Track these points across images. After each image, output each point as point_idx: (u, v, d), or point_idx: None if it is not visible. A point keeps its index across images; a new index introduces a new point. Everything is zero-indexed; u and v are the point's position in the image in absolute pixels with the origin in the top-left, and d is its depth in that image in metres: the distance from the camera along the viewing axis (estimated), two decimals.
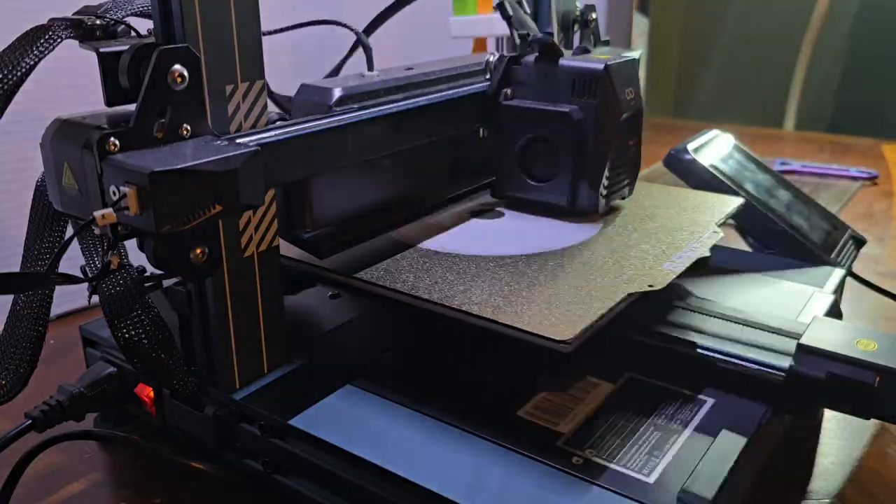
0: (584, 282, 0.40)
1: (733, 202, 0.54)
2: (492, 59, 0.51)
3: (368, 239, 0.46)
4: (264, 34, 0.38)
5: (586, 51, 0.52)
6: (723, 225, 0.50)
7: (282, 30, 0.49)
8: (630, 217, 0.51)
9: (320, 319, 0.45)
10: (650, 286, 0.39)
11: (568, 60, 0.48)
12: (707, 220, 0.50)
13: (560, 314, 0.36)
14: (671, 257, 0.43)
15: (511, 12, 0.54)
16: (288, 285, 0.45)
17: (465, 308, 0.37)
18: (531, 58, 0.50)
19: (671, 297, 0.46)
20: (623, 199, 0.53)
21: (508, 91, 0.50)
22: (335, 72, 0.59)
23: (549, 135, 0.49)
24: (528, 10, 0.61)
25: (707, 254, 0.44)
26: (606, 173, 0.49)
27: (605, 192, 0.49)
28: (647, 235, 0.47)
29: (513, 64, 0.50)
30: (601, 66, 0.47)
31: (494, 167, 0.52)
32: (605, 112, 0.47)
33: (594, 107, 0.47)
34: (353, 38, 0.51)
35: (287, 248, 0.44)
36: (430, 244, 0.46)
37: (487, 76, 0.51)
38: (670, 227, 0.49)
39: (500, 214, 0.52)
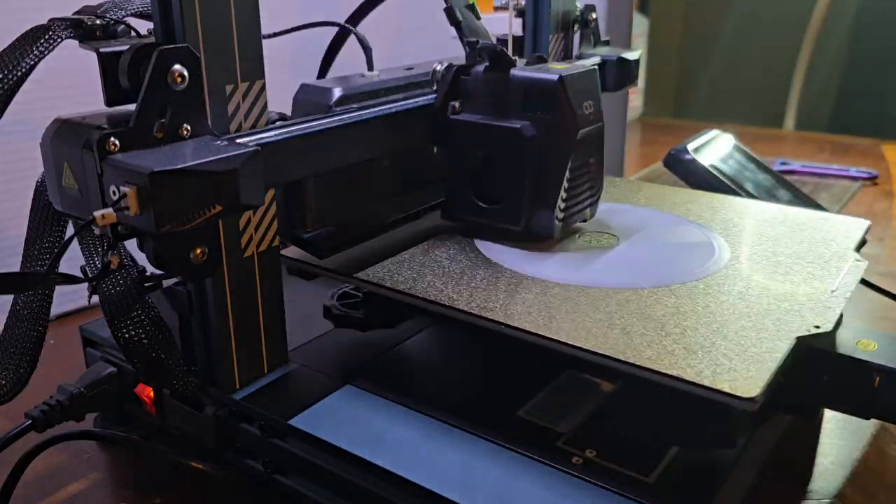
0: (745, 324, 0.36)
1: (862, 225, 0.49)
2: (439, 68, 0.47)
3: (369, 239, 0.46)
4: (264, 37, 0.38)
5: (542, 59, 0.48)
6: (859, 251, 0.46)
7: (281, 32, 0.49)
8: (754, 241, 0.47)
9: (321, 320, 0.45)
10: (816, 327, 0.35)
11: (520, 71, 0.44)
12: (843, 247, 0.45)
13: (731, 365, 0.32)
14: (825, 292, 0.39)
15: (460, 17, 0.50)
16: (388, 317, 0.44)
17: (621, 357, 0.33)
18: (481, 68, 0.45)
19: None
20: (584, 220, 0.49)
21: (457, 104, 0.46)
22: (322, 72, 0.58)
23: (499, 153, 0.44)
24: (521, 11, 0.60)
25: (856, 282, 0.41)
26: (563, 195, 0.44)
27: (561, 214, 0.45)
28: (783, 267, 0.43)
29: (461, 74, 0.46)
30: (555, 78, 0.43)
31: (445, 187, 0.48)
32: (560, 128, 0.43)
33: (548, 122, 0.43)
34: (353, 38, 0.51)
35: (287, 248, 0.44)
36: (533, 271, 0.42)
37: (434, 87, 0.47)
38: (804, 256, 0.44)
39: (614, 239, 0.47)
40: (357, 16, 0.57)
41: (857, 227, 0.49)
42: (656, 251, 0.46)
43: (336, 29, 0.55)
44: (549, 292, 0.39)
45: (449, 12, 0.50)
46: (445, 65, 0.47)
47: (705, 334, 0.35)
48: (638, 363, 0.32)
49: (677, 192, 0.57)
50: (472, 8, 0.52)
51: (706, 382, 0.31)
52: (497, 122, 0.44)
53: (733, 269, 0.42)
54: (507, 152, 0.44)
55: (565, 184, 0.44)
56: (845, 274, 0.42)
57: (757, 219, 0.51)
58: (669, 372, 0.31)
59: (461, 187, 0.47)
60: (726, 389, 0.30)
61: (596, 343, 0.34)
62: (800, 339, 0.34)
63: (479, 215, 0.46)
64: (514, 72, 0.44)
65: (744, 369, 0.31)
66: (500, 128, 0.44)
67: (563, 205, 0.45)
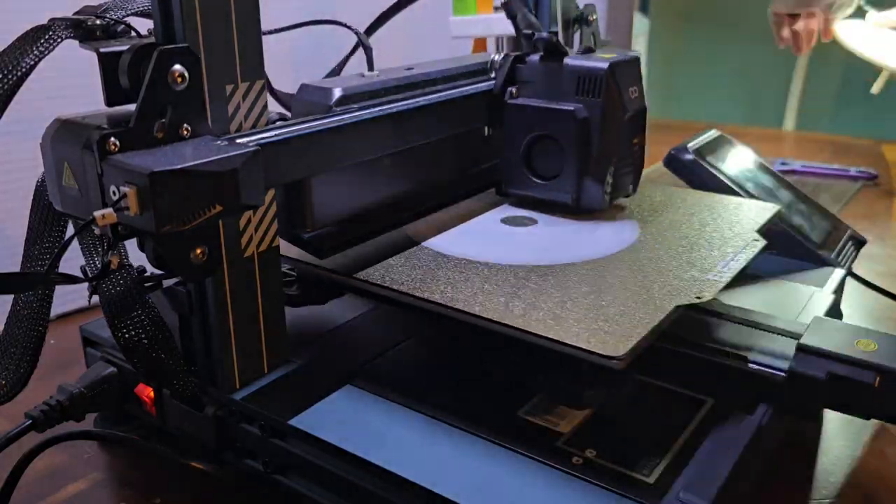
0: (629, 293, 0.39)
1: (770, 209, 0.53)
2: (497, 57, 0.52)
3: (369, 239, 0.46)
4: (264, 34, 0.38)
5: (591, 50, 0.52)
6: (762, 233, 0.48)
7: (282, 29, 0.49)
8: (666, 224, 0.50)
9: (320, 319, 0.45)
10: (698, 297, 0.38)
11: (572, 59, 0.49)
12: (746, 229, 0.48)
13: (609, 328, 0.35)
14: (714, 267, 0.42)
15: (516, 11, 0.54)
16: (319, 295, 0.45)
17: (506, 321, 0.36)
18: (536, 57, 0.50)
19: None
20: (627, 196, 0.53)
21: (514, 90, 0.51)
22: (335, 72, 0.59)
23: (554, 133, 0.49)
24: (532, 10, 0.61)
25: (746, 261, 0.43)
26: (611, 171, 0.49)
27: (609, 189, 0.50)
28: (687, 245, 0.46)
29: (517, 63, 0.51)
30: (605, 66, 0.48)
31: (500, 165, 0.53)
32: (609, 111, 0.48)
33: (598, 105, 0.48)
34: (353, 37, 0.51)
35: (287, 248, 0.44)
36: (457, 251, 0.45)
37: (493, 75, 0.52)
38: (708, 235, 0.48)
39: (534, 222, 0.51)
40: (376, 25, 0.58)
41: (765, 210, 0.52)
42: (568, 233, 0.49)
43: (336, 28, 0.55)
44: (462, 268, 0.42)
45: (507, 7, 0.54)
46: (503, 54, 0.52)
47: (592, 303, 0.38)
48: (524, 328, 0.35)
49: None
50: (526, 3, 0.56)
51: (581, 344, 0.34)
52: (552, 104, 0.49)
53: (636, 248, 0.46)
54: (561, 132, 0.49)
55: (613, 161, 0.49)
56: (741, 252, 0.45)
57: (676, 205, 0.54)
58: (548, 335, 0.35)
59: (516, 165, 0.51)
60: (596, 349, 0.33)
61: (494, 311, 0.37)
62: (678, 307, 0.37)
63: (533, 190, 0.52)
64: (567, 60, 0.49)
65: (617, 332, 0.34)
66: (555, 110, 0.49)
67: (610, 179, 0.49)
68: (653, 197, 0.56)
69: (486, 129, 0.53)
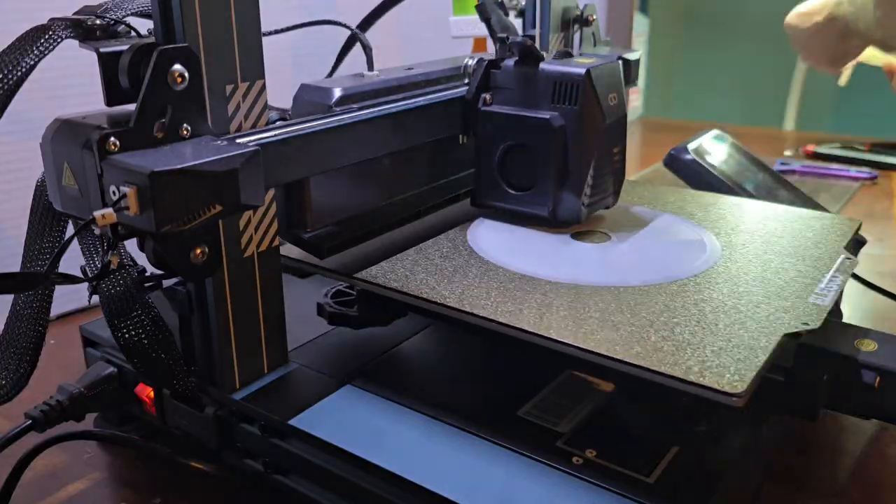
0: (733, 321, 0.36)
1: (851, 224, 0.50)
2: (470, 62, 0.50)
3: (369, 239, 0.46)
4: (264, 34, 0.38)
5: (568, 54, 0.50)
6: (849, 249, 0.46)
7: (282, 30, 0.49)
8: (745, 240, 0.47)
9: (320, 320, 0.45)
10: (805, 324, 0.36)
11: (548, 65, 0.47)
12: (833, 246, 0.46)
13: (722, 361, 0.32)
14: (814, 290, 0.40)
15: (490, 14, 0.52)
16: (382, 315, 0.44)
17: (610, 354, 0.33)
18: (511, 62, 0.48)
19: None
20: (607, 208, 0.51)
21: (487, 96, 0.49)
22: (331, 72, 0.59)
23: (529, 142, 0.47)
24: (521, 11, 0.61)
25: (844, 281, 0.41)
26: (589, 182, 0.47)
27: (587, 201, 0.47)
28: (775, 266, 0.43)
29: (491, 68, 0.49)
30: (582, 71, 0.45)
31: (474, 174, 0.50)
32: (586, 119, 0.46)
33: (575, 113, 0.46)
34: (349, 36, 0.51)
35: (287, 249, 0.44)
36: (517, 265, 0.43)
37: (466, 80, 0.50)
38: (795, 254, 0.45)
39: (606, 237, 0.48)
40: (368, 21, 0.58)
41: (848, 226, 0.49)
42: (648, 249, 0.46)
43: (335, 28, 0.55)
44: (541, 290, 0.40)
45: (480, 9, 0.52)
46: (476, 58, 0.49)
47: (694, 331, 0.35)
48: (627, 360, 0.33)
49: (672, 191, 0.58)
50: (501, 5, 0.54)
51: (693, 378, 0.31)
52: (527, 112, 0.47)
53: (724, 268, 0.43)
54: (536, 141, 0.47)
55: (591, 171, 0.47)
56: (834, 272, 0.42)
57: (749, 217, 0.51)
58: (658, 368, 0.32)
59: (490, 175, 0.49)
60: (713, 385, 0.30)
61: (586, 340, 0.34)
62: (787, 336, 0.34)
63: (507, 202, 0.49)
64: (543, 65, 0.47)
65: (731, 365, 0.32)
66: (530, 118, 0.47)
67: (588, 191, 0.47)
68: (715, 206, 0.54)
69: (460, 137, 0.51)
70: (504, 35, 0.50)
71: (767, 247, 0.46)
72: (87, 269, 0.38)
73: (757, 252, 0.45)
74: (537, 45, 0.60)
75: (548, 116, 0.46)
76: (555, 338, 0.35)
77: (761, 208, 0.53)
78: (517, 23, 0.60)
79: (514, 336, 0.36)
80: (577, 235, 0.48)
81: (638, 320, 0.36)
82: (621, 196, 0.56)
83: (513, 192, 0.49)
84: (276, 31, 0.48)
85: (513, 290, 0.40)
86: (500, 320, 0.36)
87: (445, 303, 0.38)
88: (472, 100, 0.49)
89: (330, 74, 0.58)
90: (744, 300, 0.38)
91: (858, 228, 0.50)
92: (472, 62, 0.49)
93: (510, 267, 0.43)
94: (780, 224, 0.50)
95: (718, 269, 0.42)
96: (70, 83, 0.60)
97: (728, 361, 0.32)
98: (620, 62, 0.49)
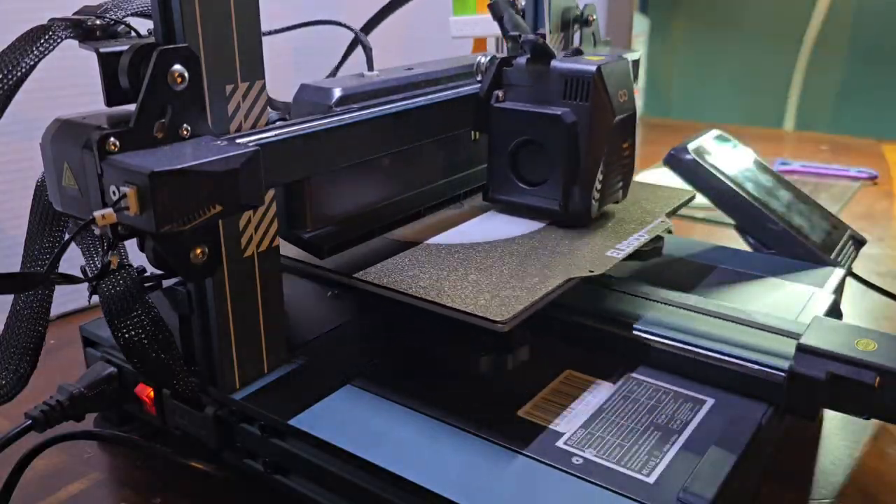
0: (528, 268, 0.41)
1: (683, 195, 0.55)
2: (483, 60, 0.50)
3: (369, 239, 0.46)
4: (264, 34, 0.38)
5: (579, 52, 0.51)
6: (672, 215, 0.52)
7: (281, 30, 0.49)
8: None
9: (320, 319, 0.45)
10: (591, 271, 0.41)
11: (560, 62, 0.48)
12: (657, 211, 0.51)
13: (501, 297, 0.38)
14: (615, 245, 0.45)
15: (503, 12, 0.52)
16: None
17: (410, 291, 0.39)
18: (523, 59, 0.49)
19: (672, 298, 0.46)
20: (617, 202, 0.52)
21: (500, 93, 0.49)
22: (333, 73, 0.59)
23: (541, 138, 0.48)
24: (521, 11, 0.61)
25: (647, 239, 0.46)
26: (599, 177, 0.48)
27: (598, 195, 0.48)
28: (597, 227, 0.48)
29: (504, 66, 0.49)
30: (593, 68, 0.46)
31: (487, 170, 0.51)
32: (597, 115, 0.47)
33: (586, 109, 0.46)
34: (354, 38, 0.51)
35: (287, 248, 0.44)
36: (431, 239, 0.47)
37: (478, 77, 0.50)
38: (620, 218, 0.50)
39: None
40: (371, 24, 0.58)
41: (678, 193, 0.55)
42: (497, 222, 0.50)
43: (335, 28, 0.55)
44: (422, 252, 0.44)
45: (493, 7, 0.52)
46: (489, 56, 0.50)
47: (490, 278, 0.40)
48: (431, 299, 0.38)
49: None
50: (513, 4, 0.54)
51: (469, 310, 0.36)
52: (539, 109, 0.48)
53: (550, 230, 0.48)
54: (548, 137, 0.48)
55: (602, 167, 0.48)
56: (641, 233, 0.47)
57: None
58: (447, 303, 0.37)
59: (502, 171, 0.50)
60: (482, 314, 0.36)
61: (410, 286, 0.39)
62: (571, 279, 0.40)
63: (520, 196, 0.50)
64: (554, 63, 0.47)
65: (507, 300, 0.37)
66: (542, 114, 0.47)
67: (599, 186, 0.48)
68: None
69: (473, 133, 0.51)
70: (516, 33, 0.51)
71: (600, 217, 0.50)
72: (87, 269, 0.38)
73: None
74: None
75: (559, 112, 0.47)
76: (384, 284, 0.40)
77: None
78: None
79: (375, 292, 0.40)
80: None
81: (460, 269, 0.42)
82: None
83: (525, 186, 0.50)
84: (276, 31, 0.48)
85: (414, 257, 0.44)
86: (363, 278, 0.41)
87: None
88: (485, 97, 0.49)
89: (332, 76, 0.58)
90: (550, 254, 0.44)
91: (691, 199, 0.55)
92: (484, 60, 0.50)
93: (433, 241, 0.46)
94: (630, 197, 0.54)
95: (542, 231, 0.48)
96: (70, 83, 0.60)
97: (507, 298, 0.38)
98: (630, 61, 0.50)
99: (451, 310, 0.37)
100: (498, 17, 0.53)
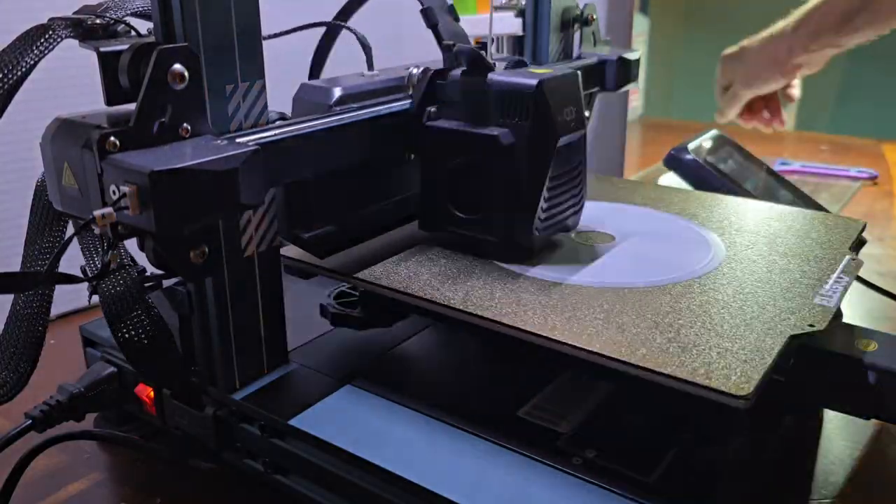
0: (739, 322, 0.36)
1: (856, 225, 0.49)
2: (415, 72, 0.45)
3: (369, 238, 0.46)
4: (264, 38, 0.38)
5: (522, 63, 0.45)
6: (857, 250, 0.47)
7: (281, 33, 0.49)
8: (747, 243, 0.46)
9: (320, 320, 0.45)
10: (810, 325, 0.35)
11: (497, 75, 0.42)
12: (838, 247, 0.46)
13: (728, 363, 0.32)
14: (819, 291, 0.39)
15: (437, 19, 0.47)
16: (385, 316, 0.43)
17: (615, 356, 0.33)
18: (458, 72, 0.43)
19: None
20: (567, 231, 0.47)
21: (432, 110, 0.44)
22: (316, 67, 0.58)
23: (476, 161, 0.42)
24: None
25: (850, 282, 0.41)
26: (543, 205, 0.42)
27: (541, 225, 0.43)
28: (780, 266, 0.43)
29: (437, 79, 0.44)
30: (533, 83, 0.41)
31: (420, 196, 0.46)
32: (538, 136, 0.41)
33: (526, 130, 0.41)
34: (353, 38, 0.51)
35: (287, 249, 0.44)
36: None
37: (410, 92, 0.45)
38: (800, 255, 0.44)
39: (610, 238, 0.47)
40: (345, 13, 0.56)
41: (853, 227, 0.49)
42: (652, 250, 0.46)
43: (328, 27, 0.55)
44: (545, 291, 0.39)
45: (426, 13, 0.48)
46: (421, 68, 0.45)
47: (699, 333, 0.35)
48: (632, 361, 0.32)
49: (674, 191, 0.58)
50: (451, 10, 0.50)
51: (699, 380, 0.31)
52: (474, 129, 0.42)
53: (728, 268, 0.42)
54: (484, 161, 0.42)
55: (545, 194, 0.42)
56: (840, 273, 0.42)
57: (752, 218, 0.51)
58: (663, 370, 0.31)
59: (437, 197, 0.45)
60: (719, 387, 0.30)
61: (591, 342, 0.34)
62: (793, 338, 0.34)
63: (456, 226, 0.44)
64: (491, 76, 0.42)
65: (737, 367, 0.31)
66: (478, 135, 0.42)
67: (543, 215, 0.43)
68: (719, 207, 0.53)
69: (406, 154, 0.46)
70: (450, 42, 0.45)
71: (772, 247, 0.46)
72: (87, 269, 0.38)
73: (761, 253, 0.45)
74: (529, 46, 0.60)
75: (496, 133, 0.41)
76: (559, 339, 0.34)
77: (765, 209, 0.53)
78: (517, 23, 0.60)
79: (519, 338, 0.36)
80: (580, 236, 0.48)
81: (643, 322, 0.36)
82: (625, 196, 0.56)
83: (461, 215, 0.44)
84: (276, 35, 0.48)
85: (517, 291, 0.39)
86: (505, 322, 0.36)
87: (450, 304, 0.38)
88: (416, 114, 0.44)
89: (315, 73, 0.58)
90: (749, 301, 0.38)
91: (863, 230, 0.49)
92: (416, 72, 0.45)
93: (514, 268, 0.42)
94: (784, 225, 0.50)
95: (723, 270, 0.42)
96: (70, 83, 0.60)
97: (734, 363, 0.32)
98: (580, 73, 0.45)
99: (672, 379, 0.31)
100: (432, 25, 0.47)
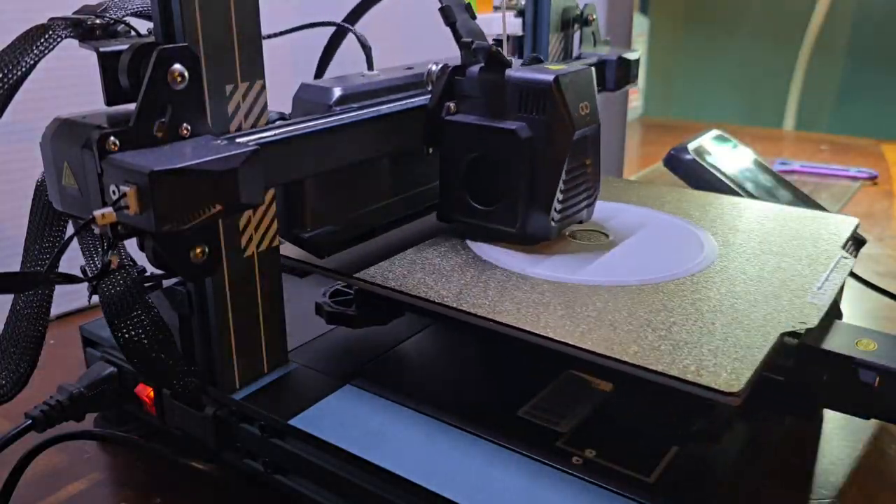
0: (730, 320, 0.36)
1: (849, 223, 0.50)
2: (434, 68, 0.46)
3: (369, 238, 0.46)
4: (264, 38, 0.38)
5: (539, 60, 0.47)
6: (853, 251, 0.47)
7: (281, 33, 0.49)
8: (740, 242, 0.47)
9: (320, 319, 0.45)
10: (802, 323, 0.36)
11: (515, 72, 0.44)
12: (831, 245, 0.46)
13: (718, 360, 0.32)
14: (811, 290, 0.40)
15: (455, 17, 0.48)
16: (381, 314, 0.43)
17: (607, 353, 0.33)
18: (476, 69, 0.45)
19: None
20: (580, 222, 0.48)
21: (451, 105, 0.45)
22: (320, 72, 0.58)
23: (495, 154, 0.44)
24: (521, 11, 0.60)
25: (841, 282, 0.41)
26: (559, 196, 0.44)
27: (557, 216, 0.45)
28: (772, 265, 0.43)
29: (456, 75, 0.45)
30: (550, 78, 0.42)
31: (440, 188, 0.47)
32: (555, 129, 0.43)
33: (543, 123, 0.43)
34: (353, 38, 0.51)
35: (287, 249, 0.44)
36: (529, 270, 0.42)
37: (429, 87, 0.47)
38: (792, 253, 0.45)
39: (604, 236, 0.48)
40: (354, 15, 0.56)
41: (845, 224, 0.49)
42: (646, 249, 0.46)
43: (333, 28, 0.55)
44: (538, 289, 0.40)
45: (444, 11, 0.49)
46: (440, 65, 0.46)
47: (691, 330, 0.35)
48: (624, 359, 0.33)
49: (670, 190, 0.58)
50: (468, 7, 0.51)
51: (690, 377, 0.31)
52: (492, 123, 0.44)
53: (721, 267, 0.43)
54: (502, 154, 0.44)
55: (561, 185, 0.44)
56: (831, 271, 0.42)
57: (746, 217, 0.51)
58: (655, 367, 0.32)
59: (456, 189, 0.46)
60: (710, 384, 0.30)
61: (583, 339, 0.34)
62: (783, 336, 0.34)
63: (474, 217, 0.46)
64: (509, 73, 0.44)
65: (727, 364, 0.32)
66: (496, 129, 0.44)
67: (559, 206, 0.44)
68: (713, 206, 0.53)
69: (425, 148, 0.47)
70: (469, 40, 0.47)
71: (764, 246, 0.46)
72: (87, 269, 0.38)
73: (754, 251, 0.45)
74: (529, 46, 0.60)
75: (514, 127, 0.43)
76: (552, 337, 0.35)
77: (759, 208, 0.54)
78: (517, 23, 0.60)
79: (512, 335, 0.36)
80: (575, 235, 0.48)
81: (635, 319, 0.36)
82: (619, 195, 0.56)
83: (479, 206, 0.46)
84: (276, 35, 0.48)
85: (510, 289, 0.40)
86: (498, 319, 0.36)
87: (443, 302, 0.38)
88: (435, 109, 0.46)
89: (320, 74, 0.58)
90: (741, 300, 0.38)
91: (856, 228, 0.50)
92: (435, 68, 0.46)
93: (508, 266, 0.43)
94: (777, 223, 0.50)
95: (716, 269, 0.42)
96: (70, 83, 0.60)
97: (725, 361, 0.32)
98: (593, 69, 0.46)
99: (661, 375, 0.32)
100: (450, 23, 0.49)
